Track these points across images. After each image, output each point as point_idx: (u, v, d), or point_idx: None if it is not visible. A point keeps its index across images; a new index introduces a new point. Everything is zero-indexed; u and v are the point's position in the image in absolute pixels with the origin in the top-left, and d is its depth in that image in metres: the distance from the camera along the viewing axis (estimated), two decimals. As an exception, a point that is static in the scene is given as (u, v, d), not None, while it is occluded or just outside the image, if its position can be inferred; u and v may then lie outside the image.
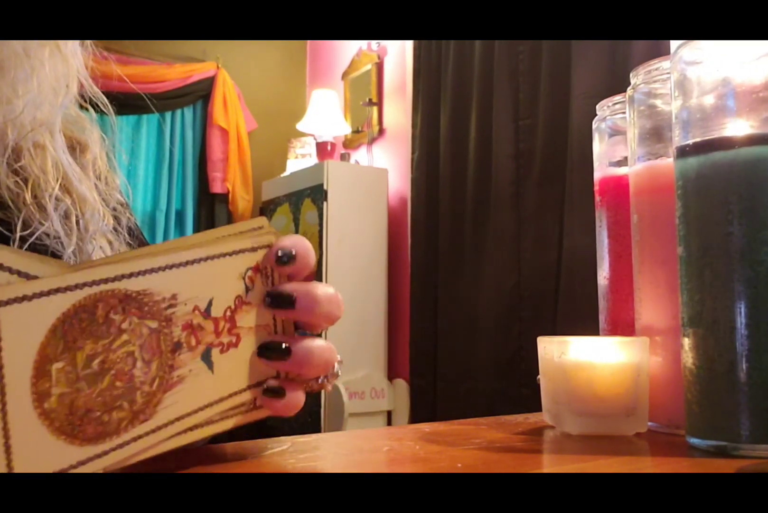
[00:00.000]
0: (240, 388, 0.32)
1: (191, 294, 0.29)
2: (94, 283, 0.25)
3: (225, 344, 0.31)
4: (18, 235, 0.42)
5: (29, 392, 0.23)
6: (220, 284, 0.31)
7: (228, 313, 0.31)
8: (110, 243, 0.48)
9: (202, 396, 0.30)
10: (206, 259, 0.30)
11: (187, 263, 0.29)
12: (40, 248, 0.43)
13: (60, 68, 0.45)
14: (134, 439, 0.26)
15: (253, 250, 0.32)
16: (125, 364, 0.26)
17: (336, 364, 0.37)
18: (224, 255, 0.31)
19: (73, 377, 0.24)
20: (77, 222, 0.45)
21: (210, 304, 0.30)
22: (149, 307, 0.27)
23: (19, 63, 0.42)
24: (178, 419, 0.28)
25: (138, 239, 0.53)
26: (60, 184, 0.45)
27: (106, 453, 0.26)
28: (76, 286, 0.24)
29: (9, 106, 0.42)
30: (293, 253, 0.33)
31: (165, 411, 0.28)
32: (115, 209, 0.50)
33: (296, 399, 0.34)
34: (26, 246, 0.42)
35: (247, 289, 0.32)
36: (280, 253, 0.33)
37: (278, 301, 0.33)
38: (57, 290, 0.24)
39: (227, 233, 0.32)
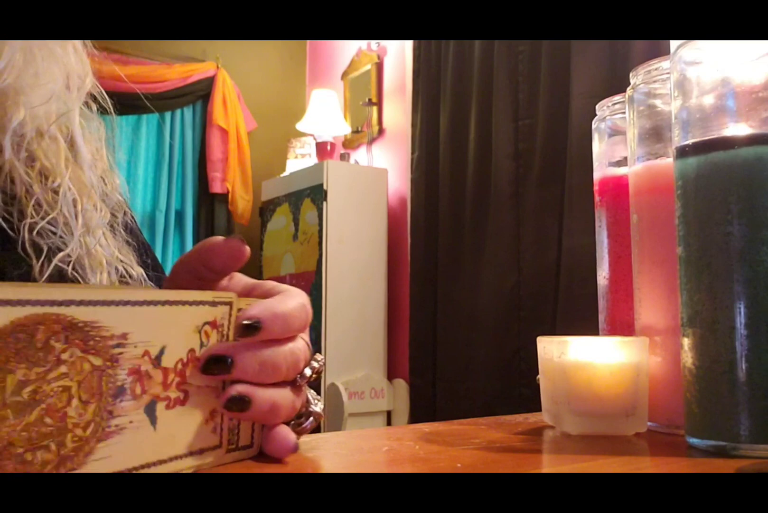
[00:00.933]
0: (182, 453, 0.29)
1: (143, 337, 0.27)
2: (38, 302, 0.23)
3: (172, 399, 0.28)
4: (26, 230, 0.42)
5: None
6: (175, 333, 0.28)
7: (179, 366, 0.29)
8: (107, 239, 0.49)
9: (140, 454, 0.27)
10: (164, 303, 0.28)
11: (144, 303, 0.26)
12: (43, 246, 0.43)
13: (76, 63, 0.47)
14: None
15: (213, 304, 0.30)
16: (59, 400, 0.23)
17: (312, 419, 0.37)
18: (184, 303, 0.29)
19: None
20: (77, 216, 0.46)
21: (162, 352, 0.28)
22: (95, 341, 0.24)
23: (46, 54, 0.44)
24: None
25: (136, 237, 0.54)
26: (69, 176, 0.46)
27: None
28: (19, 302, 0.22)
29: (30, 96, 0.43)
30: (259, 323, 0.31)
31: (96, 464, 0.25)
32: (114, 207, 0.51)
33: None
34: (28, 243, 0.42)
35: (202, 345, 0.30)
36: (246, 324, 0.31)
37: (212, 365, 0.30)
38: None
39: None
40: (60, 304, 0.23)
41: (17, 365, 0.22)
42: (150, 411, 0.27)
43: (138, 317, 0.26)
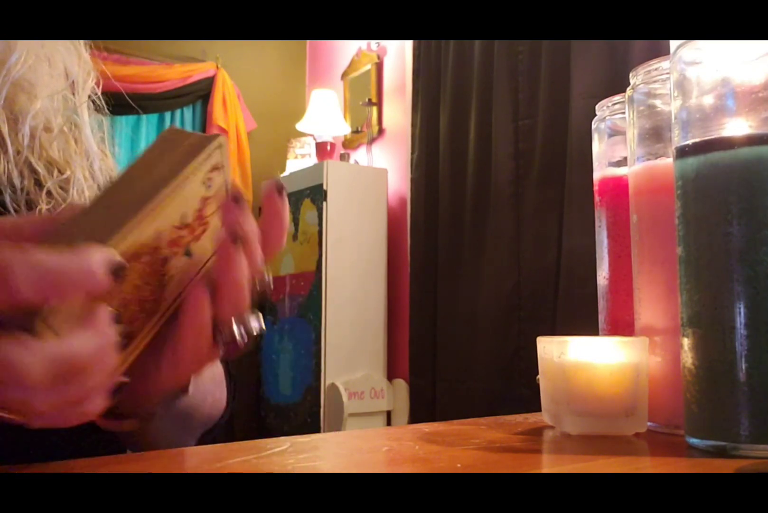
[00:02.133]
0: (208, 257, 0.36)
1: (169, 222, 0.32)
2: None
3: (198, 235, 0.35)
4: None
5: None
6: (189, 201, 0.33)
7: (198, 214, 0.34)
8: None
9: (184, 277, 0.35)
10: (172, 192, 0.32)
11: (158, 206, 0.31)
12: None
13: (80, 61, 0.49)
14: None
15: (208, 156, 0.34)
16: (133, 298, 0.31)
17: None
18: (186, 178, 0.32)
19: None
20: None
21: (184, 216, 0.33)
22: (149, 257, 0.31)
23: (51, 50, 0.46)
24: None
25: None
26: (78, 168, 0.47)
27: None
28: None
29: (41, 89, 0.45)
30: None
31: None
32: None
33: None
34: None
35: (209, 187, 0.34)
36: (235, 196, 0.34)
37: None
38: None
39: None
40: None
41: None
42: (187, 252, 0.34)
43: (159, 217, 0.32)
